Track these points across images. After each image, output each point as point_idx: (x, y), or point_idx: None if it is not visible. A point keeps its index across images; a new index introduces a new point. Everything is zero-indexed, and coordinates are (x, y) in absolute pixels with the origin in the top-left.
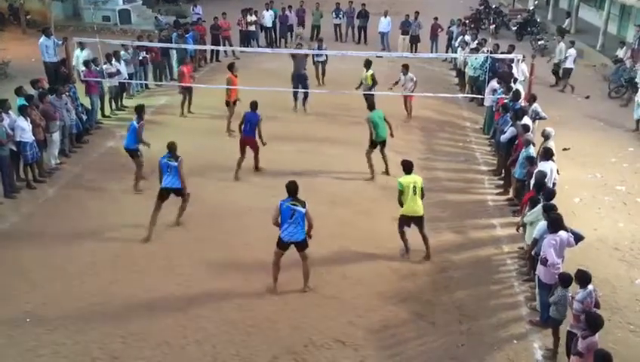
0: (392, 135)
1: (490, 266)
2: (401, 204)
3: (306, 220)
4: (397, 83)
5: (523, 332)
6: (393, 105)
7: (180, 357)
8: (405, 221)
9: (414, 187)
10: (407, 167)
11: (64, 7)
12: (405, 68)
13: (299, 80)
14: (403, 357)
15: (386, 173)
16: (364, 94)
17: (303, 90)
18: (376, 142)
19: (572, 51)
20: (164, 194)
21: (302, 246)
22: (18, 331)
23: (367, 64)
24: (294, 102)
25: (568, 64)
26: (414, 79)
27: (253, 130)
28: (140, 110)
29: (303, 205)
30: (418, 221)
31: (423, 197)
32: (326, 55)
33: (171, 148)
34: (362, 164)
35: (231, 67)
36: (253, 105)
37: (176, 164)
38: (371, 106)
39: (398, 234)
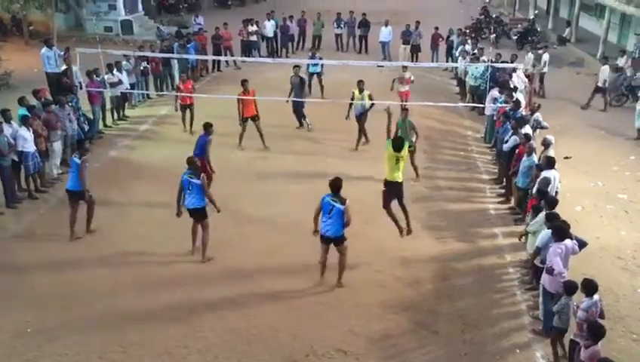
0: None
1: (492, 275)
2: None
3: (345, 217)
4: (393, 82)
5: (526, 342)
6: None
7: None
8: (388, 191)
9: (397, 158)
10: (397, 144)
11: (66, 18)
12: (404, 67)
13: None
14: None
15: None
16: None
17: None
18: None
19: (546, 56)
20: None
21: (339, 241)
22: (19, 341)
23: (362, 85)
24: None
25: (545, 69)
26: (412, 77)
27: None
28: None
29: (343, 202)
30: (399, 187)
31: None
32: (321, 66)
33: (191, 163)
34: (363, 172)
35: (242, 83)
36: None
37: (199, 181)
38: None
39: (385, 211)
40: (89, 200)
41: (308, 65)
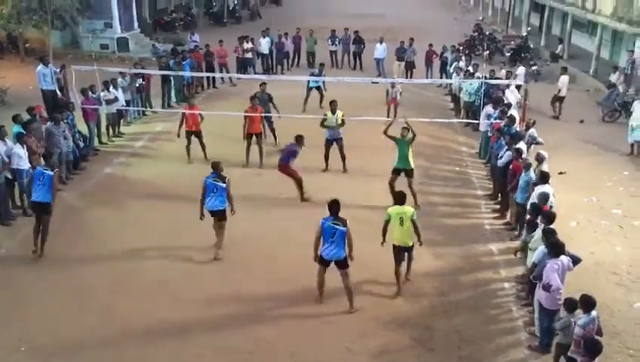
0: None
1: (488, 291)
2: (384, 233)
3: (346, 239)
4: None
5: (522, 358)
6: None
7: None
8: (397, 252)
9: (402, 219)
10: (398, 198)
11: (62, 36)
12: (392, 85)
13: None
14: None
15: (415, 205)
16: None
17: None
18: (397, 169)
19: (565, 78)
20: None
21: (342, 264)
22: (13, 359)
23: (334, 105)
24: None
25: (563, 92)
26: (399, 94)
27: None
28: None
29: (344, 224)
30: (408, 249)
31: (416, 227)
32: (323, 83)
33: (217, 167)
34: (360, 189)
35: (251, 99)
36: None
37: (224, 185)
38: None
39: (394, 269)
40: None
41: (308, 81)
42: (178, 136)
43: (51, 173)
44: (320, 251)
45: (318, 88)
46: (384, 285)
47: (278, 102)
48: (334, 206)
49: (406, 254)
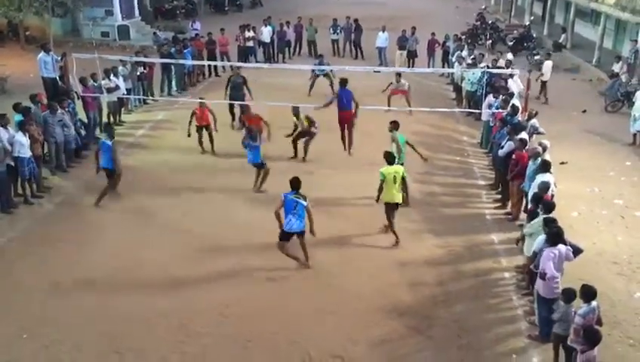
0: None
1: (488, 280)
2: (380, 192)
3: (306, 213)
4: (388, 87)
5: (522, 347)
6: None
7: None
8: (391, 209)
9: (395, 177)
10: (390, 159)
11: (63, 24)
12: (398, 75)
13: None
14: None
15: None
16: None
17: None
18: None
19: (548, 64)
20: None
21: (302, 235)
22: (14, 347)
23: (296, 111)
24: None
25: (546, 77)
26: (407, 86)
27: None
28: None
29: (305, 199)
30: (398, 206)
31: (406, 186)
32: (331, 70)
33: (296, 185)
34: (358, 179)
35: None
36: (343, 82)
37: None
38: (396, 126)
39: (389, 224)
40: (116, 178)
41: (313, 69)
42: (189, 135)
43: (109, 142)
44: (283, 225)
45: (326, 75)
46: (385, 275)
47: (279, 90)
48: (295, 182)
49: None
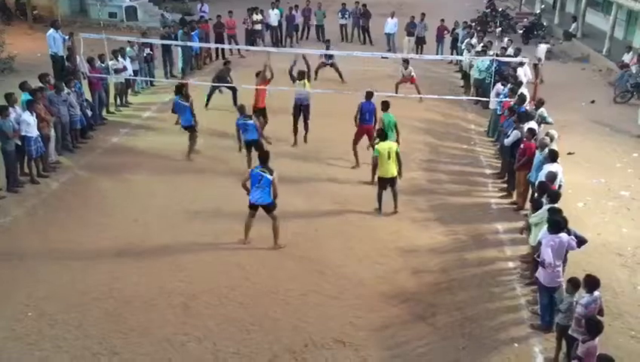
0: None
1: (492, 269)
2: (374, 170)
3: (272, 187)
4: (399, 82)
5: (524, 336)
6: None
7: (180, 354)
8: (383, 183)
9: (389, 152)
10: (383, 135)
11: (71, 3)
12: (406, 62)
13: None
14: (403, 358)
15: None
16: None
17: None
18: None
19: (543, 47)
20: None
21: (269, 208)
22: (19, 325)
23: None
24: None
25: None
26: (413, 73)
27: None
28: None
29: (271, 173)
30: (392, 181)
31: (400, 162)
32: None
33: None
34: (363, 166)
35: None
36: (369, 95)
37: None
38: (386, 107)
39: (377, 194)
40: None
41: (324, 54)
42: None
43: (187, 103)
44: (249, 196)
45: (332, 65)
46: (389, 262)
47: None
48: (264, 155)
49: (390, 188)
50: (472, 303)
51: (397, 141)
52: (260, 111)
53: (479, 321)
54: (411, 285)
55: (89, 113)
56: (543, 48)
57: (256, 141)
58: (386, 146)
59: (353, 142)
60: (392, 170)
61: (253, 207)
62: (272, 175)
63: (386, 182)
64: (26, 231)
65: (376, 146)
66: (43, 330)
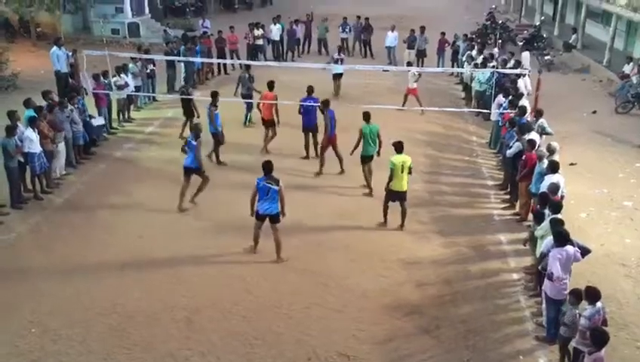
0: (378, 154)
1: (496, 281)
2: (390, 180)
3: (279, 196)
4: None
5: (529, 348)
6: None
7: None
8: (392, 196)
9: (403, 165)
10: (399, 147)
11: (74, 21)
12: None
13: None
14: None
15: (369, 192)
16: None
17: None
18: (363, 157)
19: (525, 54)
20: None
21: (275, 219)
22: (23, 341)
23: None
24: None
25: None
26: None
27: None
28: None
29: (277, 183)
30: (402, 195)
31: (410, 174)
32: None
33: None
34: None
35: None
36: (326, 103)
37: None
38: (367, 117)
39: (383, 207)
40: (203, 176)
41: (333, 67)
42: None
43: (195, 143)
44: (256, 208)
45: (339, 76)
46: (393, 274)
47: (289, 88)
48: (268, 166)
49: (398, 202)
50: (476, 315)
51: (378, 152)
52: (267, 124)
53: (483, 334)
54: (415, 297)
55: (102, 121)
56: (526, 55)
57: (190, 168)
58: (402, 159)
59: (323, 149)
60: (404, 184)
61: (261, 218)
62: (278, 185)
63: (395, 196)
64: (30, 247)
65: (391, 159)
66: (46, 346)
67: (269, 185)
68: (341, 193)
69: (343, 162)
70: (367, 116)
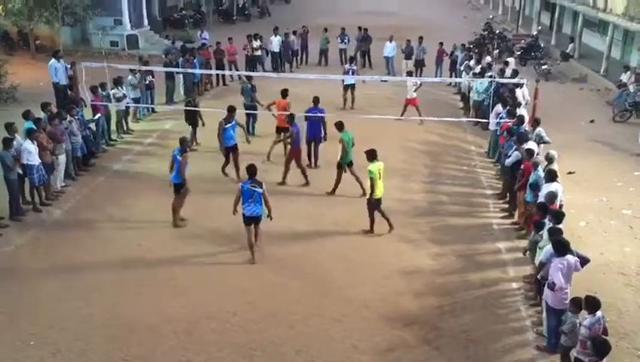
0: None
1: (496, 290)
2: (373, 189)
3: (263, 199)
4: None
5: (530, 358)
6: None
7: None
8: (377, 204)
9: (380, 172)
10: (373, 155)
11: (73, 33)
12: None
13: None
14: None
15: (364, 193)
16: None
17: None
18: (349, 163)
19: (511, 60)
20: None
21: (258, 220)
22: (22, 354)
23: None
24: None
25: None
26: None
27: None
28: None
29: (261, 185)
30: (381, 201)
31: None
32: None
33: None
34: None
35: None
36: (291, 118)
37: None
38: (341, 126)
39: (371, 218)
40: (184, 191)
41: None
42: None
43: (179, 158)
44: (242, 211)
45: (352, 87)
46: (392, 284)
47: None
48: (251, 170)
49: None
50: (477, 325)
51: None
52: (281, 130)
53: (484, 344)
54: (415, 307)
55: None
56: (512, 61)
57: (174, 184)
58: (378, 166)
59: (290, 161)
60: (382, 189)
61: (248, 222)
62: (262, 188)
63: (379, 202)
64: (29, 259)
65: (369, 168)
66: (45, 359)
67: (254, 188)
68: (339, 203)
69: (307, 174)
70: (340, 125)
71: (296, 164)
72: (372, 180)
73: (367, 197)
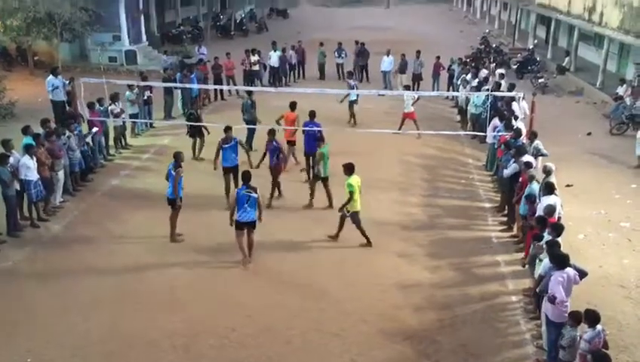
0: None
1: (495, 303)
2: (349, 203)
3: (257, 205)
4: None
5: None
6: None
7: None
8: (358, 216)
9: (359, 186)
10: (351, 169)
11: (71, 49)
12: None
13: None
14: None
15: (329, 205)
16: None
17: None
18: (324, 177)
19: (499, 71)
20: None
21: (253, 226)
22: None
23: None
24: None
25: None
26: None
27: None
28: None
29: (256, 191)
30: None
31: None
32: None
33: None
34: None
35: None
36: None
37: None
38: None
39: (361, 231)
40: (177, 207)
41: (349, 93)
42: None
43: (173, 173)
44: (236, 217)
45: (354, 103)
46: (391, 298)
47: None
48: (246, 176)
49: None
50: (476, 339)
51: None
52: (289, 144)
53: (484, 357)
54: (414, 321)
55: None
56: (499, 73)
57: (168, 199)
58: (357, 180)
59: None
60: (360, 202)
61: (241, 227)
62: (257, 193)
63: (358, 215)
64: (27, 275)
65: (348, 181)
66: None
67: (249, 194)
68: (334, 216)
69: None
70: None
71: (273, 179)
72: (351, 194)
73: (346, 213)
